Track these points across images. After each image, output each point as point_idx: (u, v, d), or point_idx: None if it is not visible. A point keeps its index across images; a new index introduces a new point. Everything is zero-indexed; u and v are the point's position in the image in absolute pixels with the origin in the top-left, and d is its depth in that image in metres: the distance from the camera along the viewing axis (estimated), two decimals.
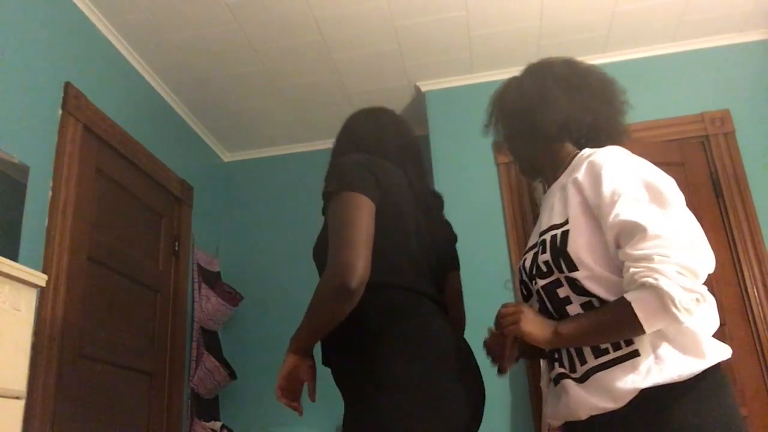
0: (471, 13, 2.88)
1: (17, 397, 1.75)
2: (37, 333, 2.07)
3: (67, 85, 2.42)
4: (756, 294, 2.75)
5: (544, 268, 1.35)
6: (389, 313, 1.41)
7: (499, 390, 2.79)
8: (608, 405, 1.24)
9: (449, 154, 3.23)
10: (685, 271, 1.16)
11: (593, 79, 1.49)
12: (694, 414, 1.18)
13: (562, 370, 1.32)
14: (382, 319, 1.40)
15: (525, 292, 1.47)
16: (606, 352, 1.25)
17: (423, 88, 3.37)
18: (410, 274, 1.46)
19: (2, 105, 2.11)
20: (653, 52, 3.19)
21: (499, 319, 1.35)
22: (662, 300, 1.15)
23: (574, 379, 1.29)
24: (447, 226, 1.72)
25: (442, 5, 2.81)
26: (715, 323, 1.28)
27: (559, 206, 1.37)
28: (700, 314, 1.23)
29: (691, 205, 3.16)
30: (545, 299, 1.36)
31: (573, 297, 1.30)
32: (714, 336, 1.29)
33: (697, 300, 1.17)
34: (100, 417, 2.45)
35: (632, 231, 1.21)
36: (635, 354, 1.22)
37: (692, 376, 1.19)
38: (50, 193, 2.27)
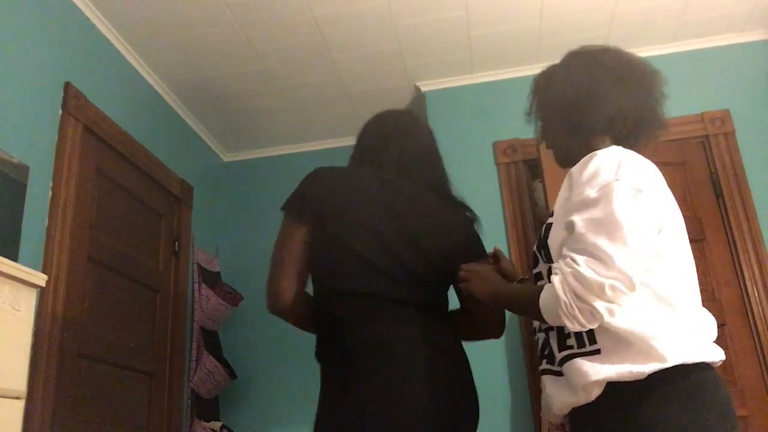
0: (471, 13, 2.88)
1: (17, 397, 1.75)
2: (37, 333, 2.07)
3: (67, 85, 2.41)
4: (756, 294, 2.75)
5: (532, 258, 1.42)
6: (338, 321, 1.46)
7: (499, 390, 2.79)
8: (575, 400, 1.27)
9: (449, 154, 3.21)
10: (584, 280, 1.15)
11: (641, 70, 1.50)
12: (662, 414, 1.18)
13: (547, 366, 1.37)
14: (332, 327, 1.48)
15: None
16: (570, 348, 1.29)
17: (423, 88, 3.37)
18: (365, 279, 1.47)
19: (2, 105, 2.11)
20: (653, 52, 3.19)
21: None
22: (556, 299, 1.19)
23: (555, 373, 1.34)
24: (454, 227, 1.65)
25: (442, 5, 2.81)
26: (692, 324, 1.27)
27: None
28: (661, 316, 1.23)
29: (691, 205, 3.17)
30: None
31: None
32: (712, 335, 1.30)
33: (611, 290, 1.14)
34: (100, 417, 2.45)
35: (569, 228, 1.24)
36: (597, 352, 1.25)
37: (647, 375, 1.19)
38: (50, 193, 2.27)
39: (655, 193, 1.27)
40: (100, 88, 2.65)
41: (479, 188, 3.15)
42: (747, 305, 2.74)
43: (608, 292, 1.14)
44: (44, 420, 2.06)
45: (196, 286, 3.26)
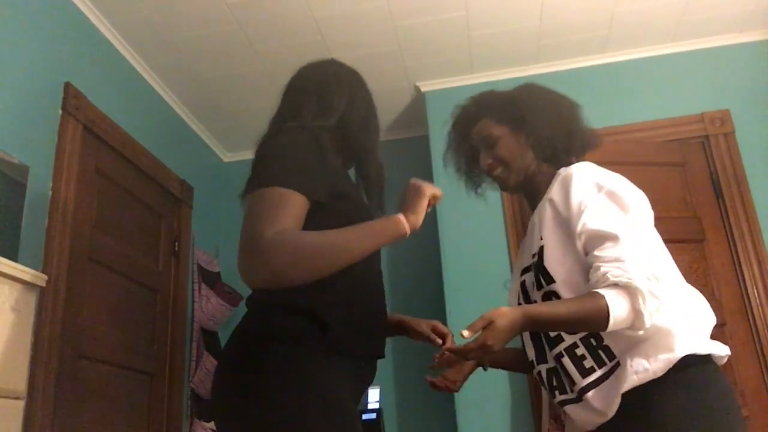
0: (471, 13, 2.88)
1: (17, 397, 1.76)
2: (37, 333, 2.07)
3: (67, 86, 2.41)
4: (756, 294, 2.75)
5: (530, 286, 1.43)
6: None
7: (499, 390, 2.79)
8: (602, 419, 1.31)
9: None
10: (652, 276, 1.24)
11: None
12: (671, 403, 1.24)
13: (562, 396, 1.39)
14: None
15: None
16: (592, 370, 1.32)
17: (423, 89, 3.37)
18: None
19: (2, 105, 2.11)
20: (653, 52, 3.19)
21: (465, 353, 1.27)
22: (634, 299, 1.21)
23: (572, 401, 1.36)
24: None
25: (442, 5, 2.81)
26: (697, 318, 1.36)
27: (537, 228, 1.43)
28: (676, 310, 1.31)
29: (691, 205, 3.17)
30: None
31: None
32: (714, 336, 1.34)
33: (657, 308, 1.24)
34: (100, 417, 2.45)
35: (602, 237, 1.27)
36: (617, 365, 1.30)
37: (666, 369, 1.26)
38: (50, 193, 2.27)
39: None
40: (100, 88, 2.65)
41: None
42: (747, 305, 2.74)
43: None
44: (44, 420, 2.06)
45: (196, 286, 3.26)
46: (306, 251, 1.23)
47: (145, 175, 2.95)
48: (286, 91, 1.70)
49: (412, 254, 3.23)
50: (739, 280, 2.78)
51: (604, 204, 1.31)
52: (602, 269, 1.24)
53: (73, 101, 2.42)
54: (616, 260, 1.23)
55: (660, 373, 1.25)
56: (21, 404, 1.81)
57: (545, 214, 1.40)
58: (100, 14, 2.69)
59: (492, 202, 3.11)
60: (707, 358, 1.31)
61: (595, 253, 1.27)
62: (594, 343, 1.33)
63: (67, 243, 2.30)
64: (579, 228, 1.30)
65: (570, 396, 1.37)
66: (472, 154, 1.64)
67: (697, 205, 2.88)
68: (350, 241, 1.26)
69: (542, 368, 1.43)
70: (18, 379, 1.82)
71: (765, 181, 2.91)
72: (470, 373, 1.61)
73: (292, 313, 1.30)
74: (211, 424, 3.08)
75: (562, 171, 1.42)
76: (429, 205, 1.36)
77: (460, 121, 1.65)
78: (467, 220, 3.11)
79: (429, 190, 1.36)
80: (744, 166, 2.93)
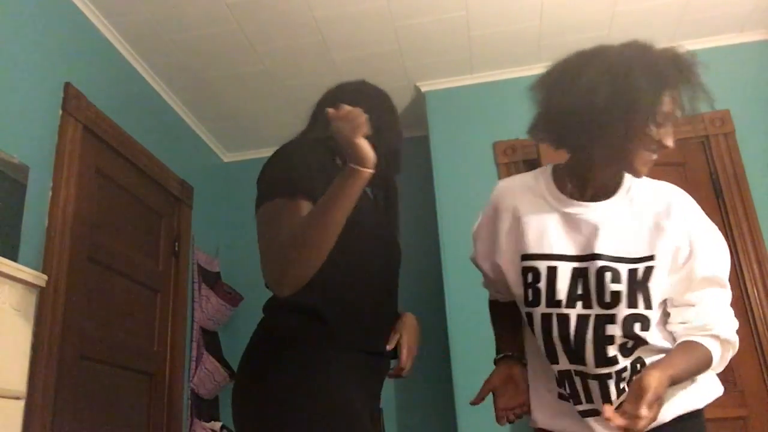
0: (471, 13, 2.88)
1: (17, 398, 1.76)
2: (37, 333, 2.07)
3: (67, 86, 2.41)
4: (756, 294, 2.75)
5: (609, 299, 1.28)
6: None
7: None
8: None
9: (449, 155, 3.23)
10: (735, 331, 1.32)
11: None
12: None
13: (590, 406, 1.34)
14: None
15: (530, 299, 1.35)
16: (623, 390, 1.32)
17: (423, 89, 3.37)
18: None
19: (2, 105, 2.11)
20: None
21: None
22: (726, 351, 1.31)
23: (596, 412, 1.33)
24: None
25: (442, 5, 2.81)
26: None
27: (638, 237, 1.30)
28: None
29: None
30: (584, 328, 1.30)
31: (618, 338, 1.28)
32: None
33: None
34: (100, 417, 2.45)
35: (713, 283, 1.32)
36: None
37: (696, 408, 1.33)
38: (50, 194, 2.27)
39: None
40: (100, 88, 2.65)
41: (479, 189, 3.14)
42: (747, 305, 2.74)
43: None
44: (44, 420, 2.06)
45: (196, 286, 3.27)
46: (292, 245, 1.26)
47: (145, 175, 2.95)
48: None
49: (412, 254, 3.23)
50: (739, 280, 2.77)
51: (723, 252, 1.37)
52: (706, 318, 1.30)
53: (73, 101, 2.42)
54: (719, 311, 1.31)
55: (701, 406, 1.33)
56: (21, 404, 1.81)
57: (661, 234, 1.31)
58: (100, 14, 2.69)
59: None
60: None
61: (701, 295, 1.32)
62: (639, 368, 1.32)
63: (67, 243, 2.30)
64: (700, 271, 1.31)
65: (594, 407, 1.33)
66: (633, 108, 1.30)
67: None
68: (324, 210, 1.26)
69: (577, 380, 1.34)
70: (18, 379, 1.82)
71: (765, 181, 2.91)
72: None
73: (297, 313, 1.36)
74: (211, 424, 3.08)
75: (661, 186, 1.42)
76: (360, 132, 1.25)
77: (671, 70, 1.38)
78: (468, 220, 3.10)
79: (347, 123, 1.24)
80: (744, 166, 2.93)
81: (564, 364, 1.33)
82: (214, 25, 2.81)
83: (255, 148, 3.87)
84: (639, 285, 1.27)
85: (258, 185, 1.44)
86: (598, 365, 1.29)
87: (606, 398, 1.30)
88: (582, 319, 1.30)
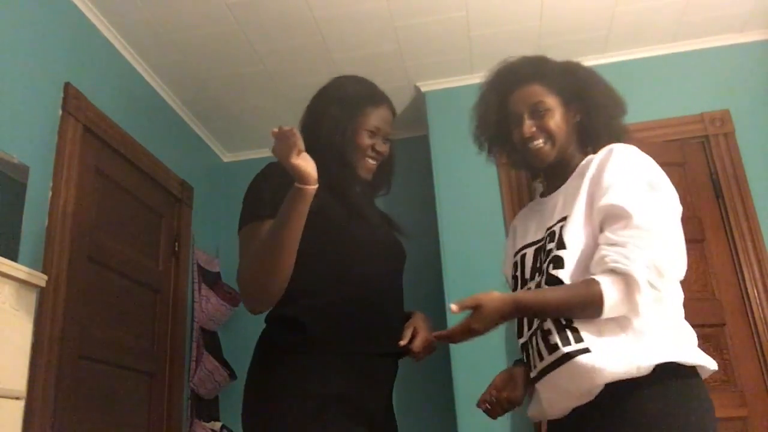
0: (471, 14, 2.87)
1: (17, 398, 1.76)
2: (37, 333, 2.07)
3: (67, 86, 2.41)
4: (756, 294, 2.74)
5: (530, 260, 1.41)
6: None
7: None
8: (575, 402, 1.27)
9: (449, 155, 3.23)
10: (654, 267, 1.19)
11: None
12: (665, 410, 1.19)
13: (532, 373, 1.36)
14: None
15: (518, 287, 1.47)
16: (555, 347, 1.26)
17: (423, 89, 3.37)
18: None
19: (2, 105, 2.11)
20: (653, 52, 3.19)
21: (451, 336, 1.29)
22: (629, 288, 1.18)
23: (535, 379, 1.34)
24: None
25: (442, 5, 2.81)
26: (688, 328, 1.31)
27: (561, 205, 1.39)
28: (672, 313, 1.28)
29: (691, 205, 3.17)
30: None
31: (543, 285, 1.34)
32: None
33: (658, 300, 1.20)
34: (100, 417, 2.45)
35: (618, 216, 1.24)
36: (586, 351, 1.22)
37: (654, 367, 1.19)
38: (50, 194, 2.27)
39: None
40: (100, 88, 2.65)
41: (479, 188, 3.15)
42: (747, 305, 2.74)
43: (667, 279, 1.22)
44: (44, 420, 2.06)
45: (196, 286, 3.26)
46: (257, 261, 1.36)
47: (145, 175, 2.95)
48: None
49: (412, 254, 3.23)
50: (739, 280, 2.77)
51: (635, 184, 1.27)
52: (603, 251, 1.22)
53: (73, 101, 2.42)
54: (619, 244, 1.20)
55: (645, 373, 1.19)
56: (21, 404, 1.80)
57: (579, 189, 1.34)
58: (100, 14, 2.68)
59: (492, 202, 3.12)
60: (693, 370, 1.25)
61: (606, 233, 1.24)
62: (563, 322, 1.27)
63: (67, 243, 2.30)
64: (601, 202, 1.27)
65: (533, 373, 1.34)
66: (505, 118, 1.52)
67: (697, 205, 2.89)
68: (275, 228, 1.35)
69: (521, 342, 1.40)
70: (18, 379, 1.82)
71: (765, 181, 2.91)
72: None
73: (281, 323, 1.45)
74: (211, 424, 3.09)
75: (601, 151, 1.38)
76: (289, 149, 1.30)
77: (507, 79, 1.54)
78: (467, 220, 3.11)
79: (283, 143, 1.30)
80: (744, 166, 2.93)
81: (525, 334, 1.39)
82: (214, 25, 2.81)
83: (255, 148, 3.87)
84: (553, 235, 1.35)
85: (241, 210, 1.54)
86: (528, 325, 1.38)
87: (533, 359, 1.34)
88: (537, 285, 1.38)
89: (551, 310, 1.26)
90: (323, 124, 1.58)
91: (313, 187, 1.31)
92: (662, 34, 3.12)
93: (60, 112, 2.37)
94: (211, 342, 3.29)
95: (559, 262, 1.29)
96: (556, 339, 1.26)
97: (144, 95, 3.09)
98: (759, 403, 2.62)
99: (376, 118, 1.62)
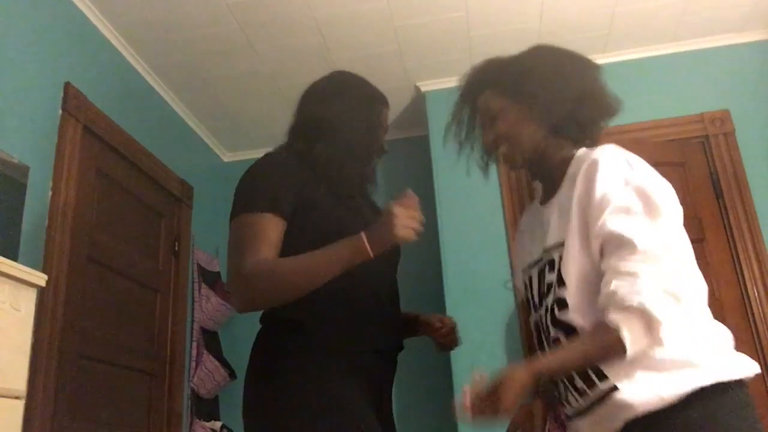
0: (471, 14, 2.87)
1: (17, 398, 1.75)
2: (37, 333, 2.07)
3: (67, 86, 2.41)
4: (756, 294, 2.74)
5: (537, 285, 1.32)
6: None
7: None
8: None
9: (449, 155, 3.22)
10: (669, 295, 1.12)
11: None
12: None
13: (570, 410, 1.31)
14: None
15: (531, 310, 1.40)
16: (584, 392, 1.22)
17: (423, 89, 3.37)
18: None
19: (2, 105, 2.11)
20: (653, 52, 3.19)
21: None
22: (650, 324, 1.10)
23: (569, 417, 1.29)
24: None
25: (442, 5, 2.81)
26: (719, 338, 1.22)
27: (560, 215, 1.29)
28: (696, 332, 1.20)
29: (691, 205, 3.16)
30: (546, 322, 1.30)
31: (551, 328, 1.27)
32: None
33: (682, 326, 1.14)
34: (100, 417, 2.45)
35: (619, 243, 1.14)
36: (614, 389, 1.18)
37: (680, 396, 1.13)
38: (50, 193, 2.27)
39: None
40: (100, 88, 2.65)
41: (479, 188, 3.15)
42: (747, 305, 2.74)
43: (684, 302, 1.15)
44: (44, 420, 2.06)
45: (196, 286, 3.27)
46: (280, 280, 1.33)
47: (145, 175, 2.95)
48: None
49: (412, 254, 3.23)
50: (739, 280, 2.78)
51: (629, 202, 1.16)
52: (613, 285, 1.13)
53: (73, 101, 2.42)
54: (630, 275, 1.12)
55: (674, 401, 1.13)
56: (21, 404, 1.80)
57: (570, 206, 1.24)
58: (100, 14, 2.68)
59: (492, 202, 3.11)
60: (731, 384, 1.17)
61: (610, 261, 1.15)
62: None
63: (67, 243, 2.30)
64: (597, 227, 1.17)
65: (569, 411, 1.30)
66: (476, 131, 1.49)
67: (697, 205, 2.89)
68: (319, 266, 1.32)
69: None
70: (18, 379, 1.81)
71: (765, 181, 2.91)
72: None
73: (281, 325, 1.44)
74: (211, 424, 3.08)
75: (586, 155, 1.26)
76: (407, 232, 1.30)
77: (464, 93, 1.51)
78: (467, 220, 3.11)
79: (401, 219, 1.29)
80: (744, 166, 2.93)
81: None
82: (214, 25, 2.81)
83: (255, 148, 3.87)
84: (552, 264, 1.26)
85: (233, 200, 1.48)
86: None
87: (565, 398, 1.28)
88: (541, 319, 1.32)
89: (577, 368, 1.20)
90: (346, 121, 1.54)
91: (371, 257, 1.31)
92: (662, 34, 3.12)
93: (60, 111, 2.37)
94: (211, 342, 3.29)
95: (563, 304, 1.24)
96: (582, 383, 1.22)
97: (144, 95, 3.09)
98: (759, 403, 2.61)
99: (387, 118, 1.65)
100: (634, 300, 1.10)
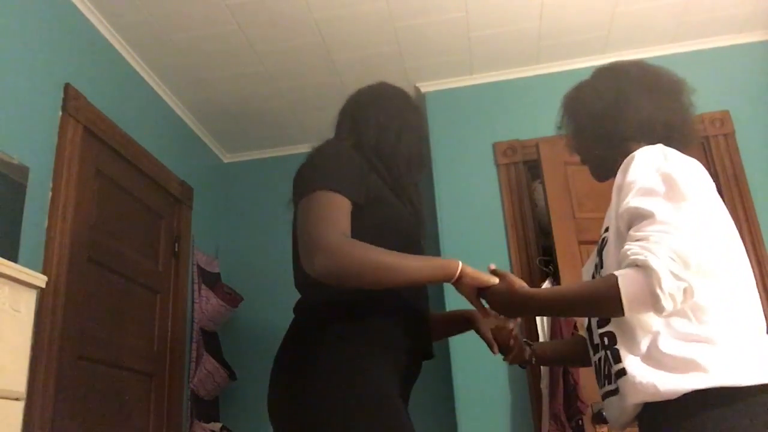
0: (471, 14, 2.88)
1: (17, 398, 1.75)
2: (37, 334, 2.07)
3: (67, 87, 2.41)
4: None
5: (594, 270, 1.38)
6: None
7: (499, 390, 2.79)
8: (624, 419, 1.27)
9: (449, 155, 3.23)
10: (677, 257, 1.10)
11: (667, 79, 1.47)
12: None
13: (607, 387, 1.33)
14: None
15: None
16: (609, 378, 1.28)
17: (423, 89, 3.37)
18: None
19: (2, 106, 2.11)
20: (653, 52, 3.19)
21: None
22: (649, 280, 1.09)
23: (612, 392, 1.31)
24: None
25: (442, 6, 2.81)
26: (746, 336, 1.18)
27: (610, 205, 1.36)
28: (724, 321, 1.17)
29: None
30: None
31: None
32: None
33: (685, 291, 1.10)
34: (100, 418, 2.44)
35: (640, 216, 1.18)
36: (622, 373, 1.21)
37: (684, 393, 1.11)
38: (50, 194, 2.27)
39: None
40: (100, 89, 2.65)
41: (479, 189, 3.15)
42: None
43: (693, 267, 1.12)
44: (44, 420, 2.06)
45: (195, 287, 3.26)
46: (371, 264, 1.32)
47: (145, 175, 2.95)
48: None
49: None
50: None
51: (654, 184, 1.20)
52: (625, 247, 1.15)
53: (73, 102, 2.42)
54: (642, 239, 1.14)
55: (673, 397, 1.11)
56: (21, 405, 1.80)
57: (612, 197, 1.32)
58: (100, 15, 2.69)
59: (492, 203, 3.12)
60: (739, 390, 1.10)
61: (631, 232, 1.18)
62: (606, 342, 1.25)
63: (67, 243, 2.30)
64: (623, 207, 1.22)
65: (611, 387, 1.29)
66: None
67: None
68: (408, 268, 1.34)
69: (601, 355, 1.32)
70: (18, 380, 1.81)
71: (765, 181, 2.91)
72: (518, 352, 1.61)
73: (336, 312, 1.40)
74: (211, 425, 3.08)
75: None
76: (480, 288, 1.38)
77: None
78: (467, 221, 3.11)
79: (499, 300, 1.37)
80: (744, 166, 2.93)
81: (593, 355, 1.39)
82: (214, 26, 2.81)
83: (255, 148, 3.88)
84: (599, 251, 1.35)
85: (300, 177, 1.50)
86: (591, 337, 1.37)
87: (599, 374, 1.33)
88: None
89: (567, 304, 1.26)
90: (406, 130, 1.62)
91: (444, 282, 1.39)
92: (662, 35, 3.12)
93: (60, 112, 2.37)
94: (211, 343, 3.29)
95: None
96: (614, 366, 1.25)
97: (144, 96, 3.09)
98: None
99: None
100: (640, 257, 1.11)
